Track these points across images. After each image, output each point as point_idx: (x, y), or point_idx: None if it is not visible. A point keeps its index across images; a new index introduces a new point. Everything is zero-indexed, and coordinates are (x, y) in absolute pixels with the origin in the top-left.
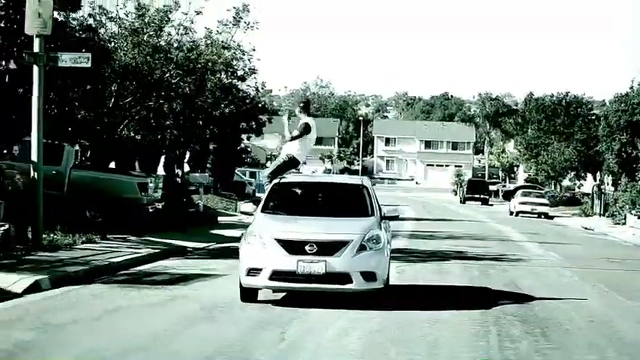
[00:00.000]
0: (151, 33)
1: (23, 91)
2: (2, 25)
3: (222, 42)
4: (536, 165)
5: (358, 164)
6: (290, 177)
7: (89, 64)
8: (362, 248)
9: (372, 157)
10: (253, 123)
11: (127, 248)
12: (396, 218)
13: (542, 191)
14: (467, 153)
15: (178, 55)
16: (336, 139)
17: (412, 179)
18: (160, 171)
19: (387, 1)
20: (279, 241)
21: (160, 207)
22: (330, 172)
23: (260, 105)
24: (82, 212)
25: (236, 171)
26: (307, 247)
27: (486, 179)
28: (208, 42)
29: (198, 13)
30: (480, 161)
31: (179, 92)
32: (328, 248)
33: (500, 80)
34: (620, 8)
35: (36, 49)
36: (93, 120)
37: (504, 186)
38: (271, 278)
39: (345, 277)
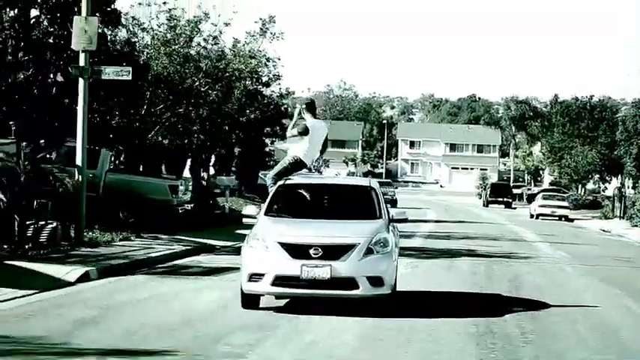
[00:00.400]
0: (182, 43)
1: (69, 101)
2: (51, 41)
3: (249, 51)
4: (559, 168)
5: (382, 167)
6: (295, 179)
7: (130, 77)
8: (369, 252)
9: (397, 160)
10: (278, 128)
11: (160, 245)
12: (404, 221)
13: (564, 194)
14: (492, 156)
15: (207, 64)
16: (360, 142)
17: (437, 182)
18: (186, 174)
19: (413, 3)
20: (282, 244)
21: (189, 208)
22: (354, 176)
23: (283, 109)
24: (116, 213)
25: (260, 174)
26: (312, 251)
27: (511, 183)
28: (235, 51)
29: (227, 25)
30: (505, 164)
31: (207, 99)
32: (333, 252)
33: (526, 82)
34: (622, 10)
35: (82, 63)
36: (127, 127)
37: (529, 189)
38: (274, 284)
39: (351, 283)
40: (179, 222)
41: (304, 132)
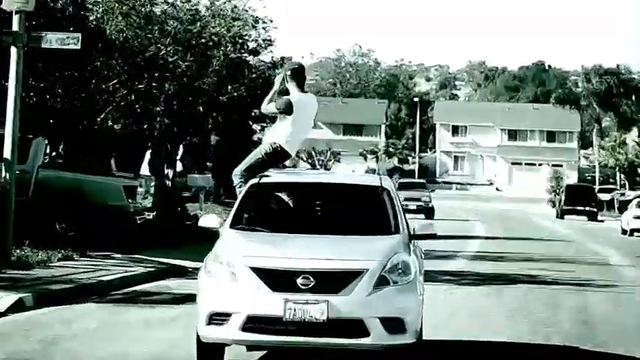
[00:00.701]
0: (143, 0)
1: None
2: None
3: (232, 11)
4: None
5: (414, 162)
6: (274, 176)
7: (78, 46)
8: (382, 282)
9: (434, 152)
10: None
11: (114, 267)
12: (432, 237)
13: None
14: (569, 147)
15: (176, 27)
16: (383, 127)
17: (490, 183)
18: (144, 170)
19: None
20: (256, 270)
21: (151, 217)
22: (375, 173)
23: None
24: (52, 222)
25: None
26: (300, 280)
27: (596, 185)
28: (213, 11)
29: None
30: (587, 158)
31: (176, 72)
32: (332, 282)
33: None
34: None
35: (15, 27)
36: (72, 108)
37: (622, 194)
38: (245, 328)
39: (357, 327)
40: (138, 236)
41: (287, 110)
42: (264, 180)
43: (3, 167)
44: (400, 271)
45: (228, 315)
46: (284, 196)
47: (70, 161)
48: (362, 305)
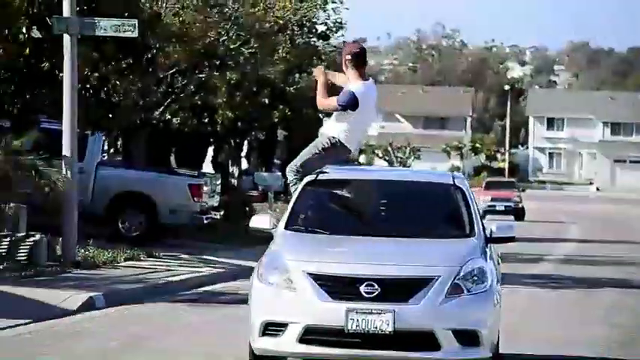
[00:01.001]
0: None
1: (50, 66)
2: None
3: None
4: None
5: (504, 160)
6: (332, 172)
7: (135, 34)
8: (455, 290)
9: (526, 148)
10: None
11: (182, 267)
12: (510, 240)
13: None
14: None
15: (238, 10)
16: (469, 120)
17: (590, 183)
18: (207, 168)
19: None
20: (315, 277)
21: (218, 217)
22: (460, 171)
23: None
24: (113, 222)
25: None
26: (363, 288)
27: None
28: None
29: None
30: None
31: (239, 60)
32: (399, 289)
33: None
34: None
35: (66, 13)
36: (129, 101)
37: None
38: (303, 340)
39: (427, 339)
40: (204, 236)
41: (352, 105)
42: (321, 177)
43: (63, 165)
44: (475, 278)
45: (284, 325)
46: (344, 195)
47: (129, 158)
48: (433, 316)
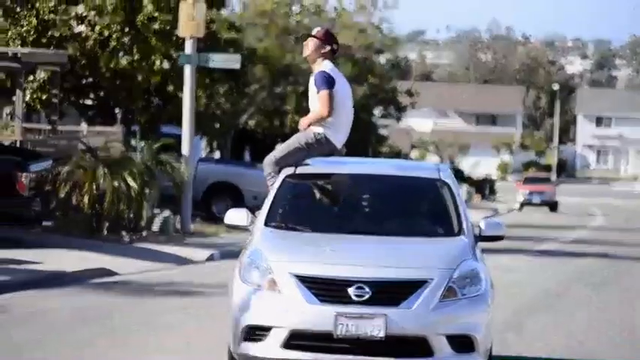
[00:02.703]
0: (281, 14)
1: (174, 88)
2: (156, 26)
3: (358, 23)
4: None
5: (553, 155)
6: (312, 165)
7: (238, 66)
8: (449, 294)
9: (574, 145)
10: (392, 107)
11: None
12: (499, 238)
13: None
14: None
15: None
16: (520, 117)
17: (635, 179)
18: None
19: None
20: (302, 278)
21: None
22: (509, 167)
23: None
24: (209, 205)
25: None
26: (353, 291)
27: None
28: (340, 22)
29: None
30: None
31: (308, 77)
32: (390, 293)
33: None
34: None
35: (188, 50)
36: (229, 113)
37: None
38: (288, 345)
39: (419, 345)
40: None
41: (329, 82)
42: (300, 170)
43: (183, 162)
44: (469, 281)
45: (268, 329)
46: (325, 189)
47: (221, 156)
48: (426, 320)
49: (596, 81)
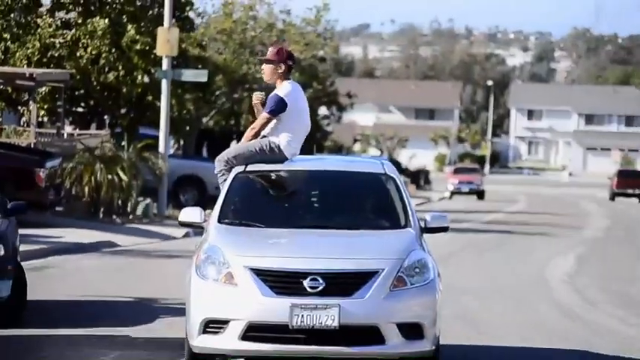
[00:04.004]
0: (239, 31)
1: (152, 98)
2: (138, 47)
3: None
4: None
5: (487, 147)
6: (260, 164)
7: (206, 79)
8: (399, 283)
9: (508, 137)
10: (334, 108)
11: None
12: (443, 230)
13: None
14: None
15: (262, 50)
16: (457, 112)
17: (563, 169)
18: None
19: None
20: (257, 272)
21: None
22: (446, 159)
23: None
24: (177, 195)
25: None
26: (307, 283)
27: None
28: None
29: (282, 12)
30: None
31: (262, 85)
32: (343, 284)
33: None
34: None
35: (164, 67)
36: (195, 117)
37: None
38: (246, 337)
39: (372, 334)
40: None
41: (280, 107)
42: (251, 167)
43: (161, 159)
44: (417, 270)
45: (226, 322)
46: (275, 186)
47: (187, 152)
48: (378, 310)
49: (536, 74)
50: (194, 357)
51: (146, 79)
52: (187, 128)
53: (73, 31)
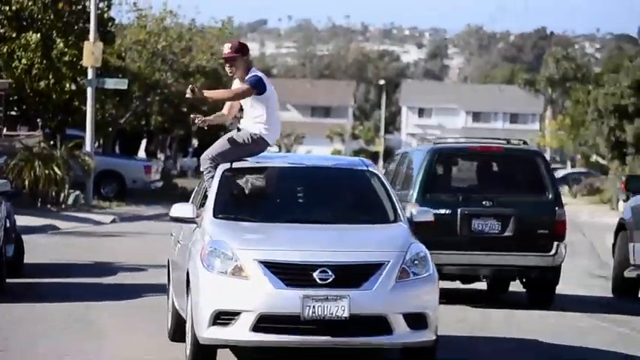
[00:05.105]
0: (152, 42)
1: (79, 103)
2: (66, 59)
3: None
4: (573, 145)
5: (380, 144)
6: (248, 160)
7: (126, 87)
8: (403, 275)
9: (400, 134)
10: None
11: (139, 208)
12: (429, 224)
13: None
14: (531, 128)
15: (173, 59)
16: (351, 109)
17: None
18: (141, 154)
19: None
20: (268, 264)
21: (160, 185)
22: (340, 154)
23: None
24: (99, 188)
25: None
26: (317, 275)
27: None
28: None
29: (190, 28)
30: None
31: (172, 90)
32: (352, 275)
33: None
34: None
35: (90, 76)
36: (114, 118)
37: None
38: (257, 328)
39: (380, 324)
40: (152, 197)
41: (261, 85)
42: (237, 164)
43: (87, 156)
44: (417, 262)
45: (237, 314)
46: (264, 182)
47: (104, 149)
48: (385, 300)
49: (430, 71)
50: (200, 348)
51: (73, 87)
52: (110, 129)
53: (8, 44)
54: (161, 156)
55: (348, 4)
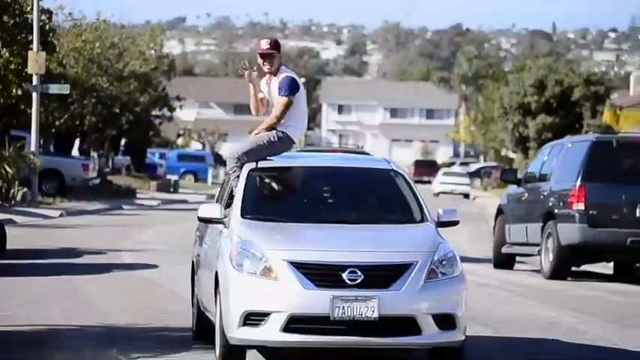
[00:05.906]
0: (89, 50)
1: (24, 107)
2: (13, 67)
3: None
4: (484, 141)
5: (301, 140)
6: (272, 160)
7: (68, 92)
8: (432, 275)
9: (320, 130)
10: (166, 109)
11: (80, 204)
12: (455, 223)
13: (464, 171)
14: (447, 124)
15: (108, 65)
16: None
17: None
18: (74, 153)
19: None
20: (297, 265)
21: (97, 182)
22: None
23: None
24: (41, 185)
25: (148, 152)
26: (347, 275)
27: (460, 159)
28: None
29: (127, 38)
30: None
31: (107, 94)
32: (381, 276)
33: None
34: None
35: (34, 82)
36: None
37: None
38: (288, 329)
39: (409, 325)
40: (90, 192)
41: (297, 87)
42: (262, 164)
43: (33, 156)
44: (445, 262)
45: (267, 315)
46: (289, 182)
47: (45, 149)
48: (414, 301)
49: (349, 67)
50: (231, 349)
51: (19, 92)
52: (53, 130)
53: None
54: (94, 154)
55: (267, 1)
